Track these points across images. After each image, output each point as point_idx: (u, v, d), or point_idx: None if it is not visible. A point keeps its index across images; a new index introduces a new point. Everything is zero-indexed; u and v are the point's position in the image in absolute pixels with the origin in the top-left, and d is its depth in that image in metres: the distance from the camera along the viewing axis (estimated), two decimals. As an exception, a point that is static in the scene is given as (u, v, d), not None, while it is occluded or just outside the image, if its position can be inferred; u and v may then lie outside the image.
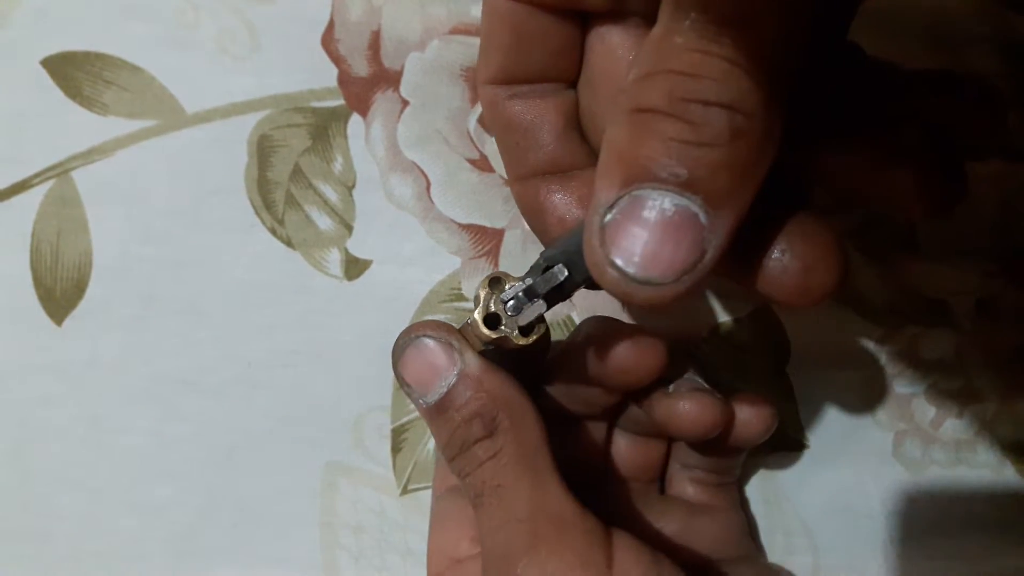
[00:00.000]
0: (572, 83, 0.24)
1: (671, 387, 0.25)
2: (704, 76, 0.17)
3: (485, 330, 0.21)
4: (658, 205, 0.16)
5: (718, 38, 0.16)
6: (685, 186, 0.16)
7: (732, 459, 0.28)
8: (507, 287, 0.21)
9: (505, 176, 0.30)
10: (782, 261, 0.19)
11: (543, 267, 0.21)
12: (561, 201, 0.23)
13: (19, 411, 0.30)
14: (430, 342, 0.22)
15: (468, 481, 0.22)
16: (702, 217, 0.17)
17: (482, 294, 0.22)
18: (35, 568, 0.30)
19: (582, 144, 0.24)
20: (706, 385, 0.25)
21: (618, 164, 0.17)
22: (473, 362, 0.22)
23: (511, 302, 0.21)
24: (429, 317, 0.30)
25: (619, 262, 0.17)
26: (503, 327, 0.21)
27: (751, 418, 0.25)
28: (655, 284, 0.17)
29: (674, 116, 0.17)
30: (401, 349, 0.22)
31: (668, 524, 0.27)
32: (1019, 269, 0.30)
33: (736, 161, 0.17)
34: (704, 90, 0.17)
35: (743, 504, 0.30)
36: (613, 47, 0.22)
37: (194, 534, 0.30)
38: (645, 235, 0.17)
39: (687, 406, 0.24)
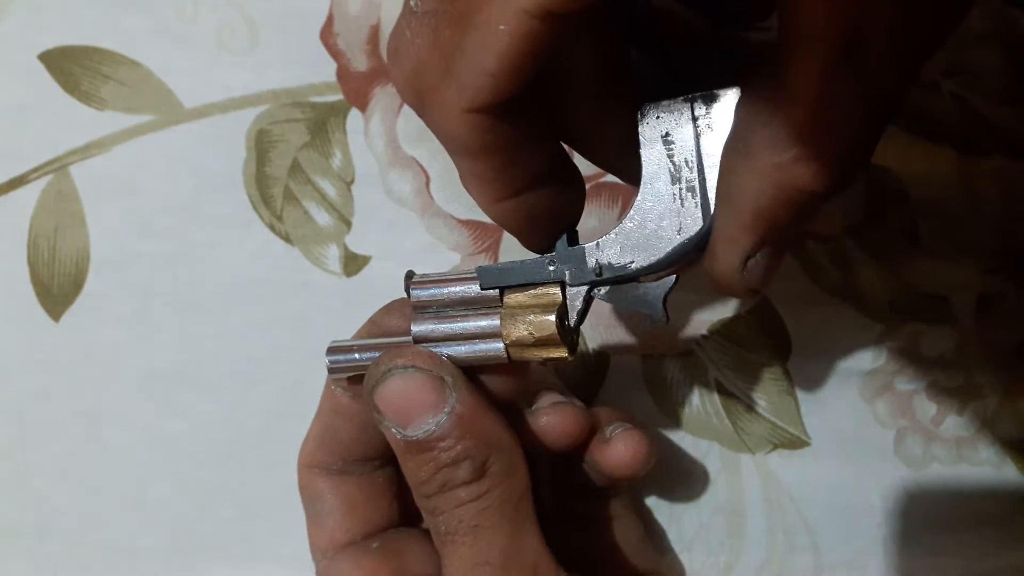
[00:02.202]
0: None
1: (533, 406, 0.25)
2: None
3: (561, 349, 0.21)
4: None
5: None
6: None
7: None
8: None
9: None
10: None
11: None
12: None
13: (16, 406, 0.30)
14: (419, 376, 0.21)
15: (441, 518, 0.21)
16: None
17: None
18: (33, 563, 0.30)
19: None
20: (564, 398, 0.25)
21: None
22: (468, 401, 0.21)
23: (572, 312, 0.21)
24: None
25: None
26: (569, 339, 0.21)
27: (625, 454, 0.25)
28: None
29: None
30: (381, 376, 0.21)
31: (566, 540, 0.26)
32: (1020, 266, 0.30)
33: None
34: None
35: (640, 511, 0.30)
36: None
37: (192, 530, 0.30)
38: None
39: (549, 419, 0.24)
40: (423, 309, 0.22)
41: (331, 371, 0.23)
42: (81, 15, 0.30)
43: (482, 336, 0.21)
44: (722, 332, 0.30)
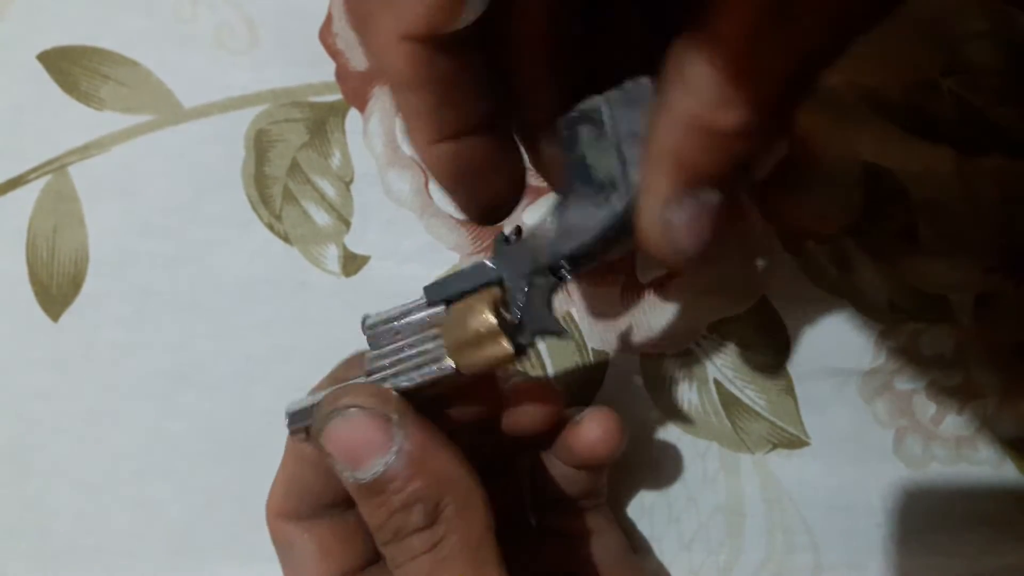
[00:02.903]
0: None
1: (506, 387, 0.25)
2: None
3: (506, 345, 0.20)
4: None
5: None
6: None
7: (595, 481, 0.26)
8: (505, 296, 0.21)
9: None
10: None
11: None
12: None
13: (16, 406, 0.30)
14: (362, 416, 0.20)
15: (399, 572, 0.20)
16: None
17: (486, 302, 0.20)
18: (32, 563, 0.30)
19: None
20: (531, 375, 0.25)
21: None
22: (417, 437, 0.20)
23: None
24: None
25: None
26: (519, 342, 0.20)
27: (598, 433, 0.25)
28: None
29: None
30: (325, 419, 0.20)
31: (550, 556, 0.26)
32: (1019, 265, 0.30)
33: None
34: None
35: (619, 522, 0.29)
36: None
37: (191, 530, 0.30)
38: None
39: (518, 395, 0.24)
40: (380, 348, 0.22)
41: (292, 432, 0.23)
42: (80, 15, 0.30)
43: (430, 355, 0.21)
44: (722, 332, 0.30)
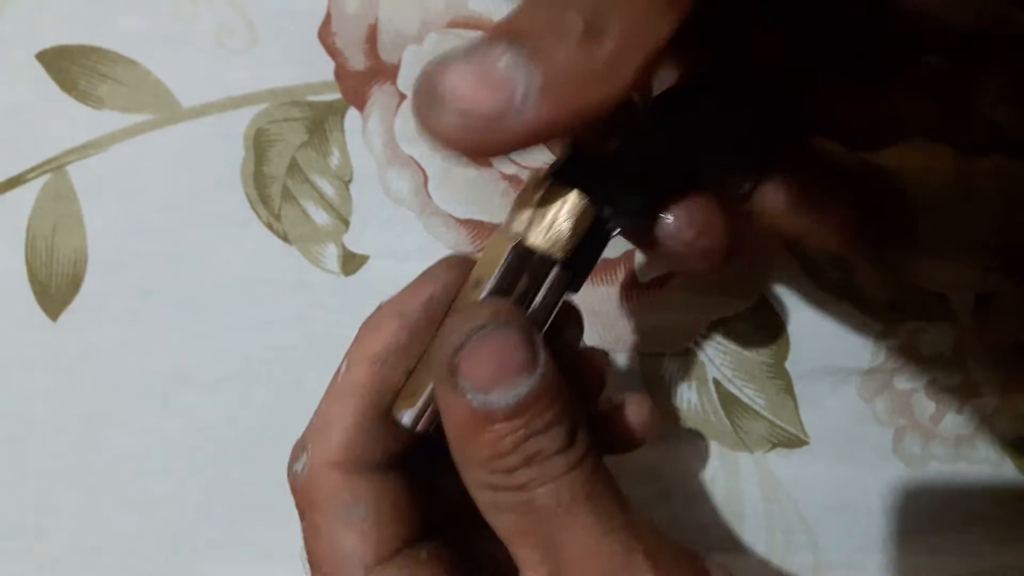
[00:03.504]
0: None
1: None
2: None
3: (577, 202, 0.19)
4: (496, 57, 0.16)
5: None
6: (527, 56, 0.16)
7: None
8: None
9: (504, 171, 0.30)
10: (670, 226, 0.21)
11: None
12: None
13: (14, 406, 0.30)
14: (513, 333, 0.19)
15: (538, 492, 0.19)
16: (520, 89, 0.16)
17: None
18: (31, 564, 0.30)
19: None
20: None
21: (503, 20, 0.17)
22: (551, 361, 0.19)
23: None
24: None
25: (435, 85, 0.17)
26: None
27: (642, 418, 0.24)
28: (444, 110, 0.17)
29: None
30: (464, 337, 0.18)
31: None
32: (1019, 264, 0.29)
33: (571, 65, 0.16)
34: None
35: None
36: None
37: (191, 530, 0.30)
38: (471, 72, 0.16)
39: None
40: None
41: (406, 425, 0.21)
42: (79, 14, 0.29)
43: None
44: (721, 331, 0.30)
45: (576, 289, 0.21)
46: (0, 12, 0.30)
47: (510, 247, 0.20)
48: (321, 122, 0.30)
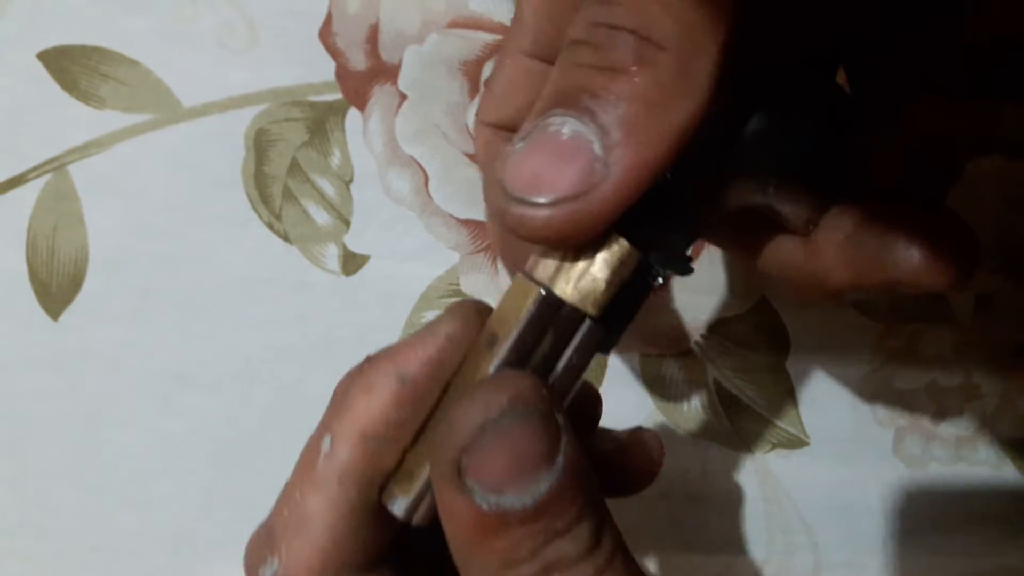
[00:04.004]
0: None
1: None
2: (615, 1, 0.16)
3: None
4: (557, 129, 0.15)
5: None
6: (584, 111, 0.15)
7: None
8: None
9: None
10: (912, 254, 0.18)
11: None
12: None
13: (15, 406, 0.30)
14: (530, 424, 0.15)
15: None
16: (596, 146, 0.15)
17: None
18: (32, 563, 0.30)
19: None
20: None
21: (542, 96, 0.16)
22: (574, 445, 0.16)
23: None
24: (427, 313, 0.30)
25: (505, 180, 0.16)
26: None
27: (652, 458, 0.22)
28: (529, 203, 0.15)
29: (588, 42, 0.16)
30: (473, 434, 0.15)
31: None
32: (1019, 265, 0.29)
33: (639, 93, 0.15)
34: (614, 14, 0.16)
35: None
36: None
37: (191, 530, 0.30)
38: (536, 156, 0.15)
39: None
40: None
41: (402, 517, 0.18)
42: (80, 14, 0.30)
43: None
44: (721, 332, 0.30)
45: (607, 350, 0.18)
46: (1, 12, 0.30)
47: (533, 298, 0.16)
48: (322, 122, 0.30)
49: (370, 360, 0.19)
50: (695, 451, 0.30)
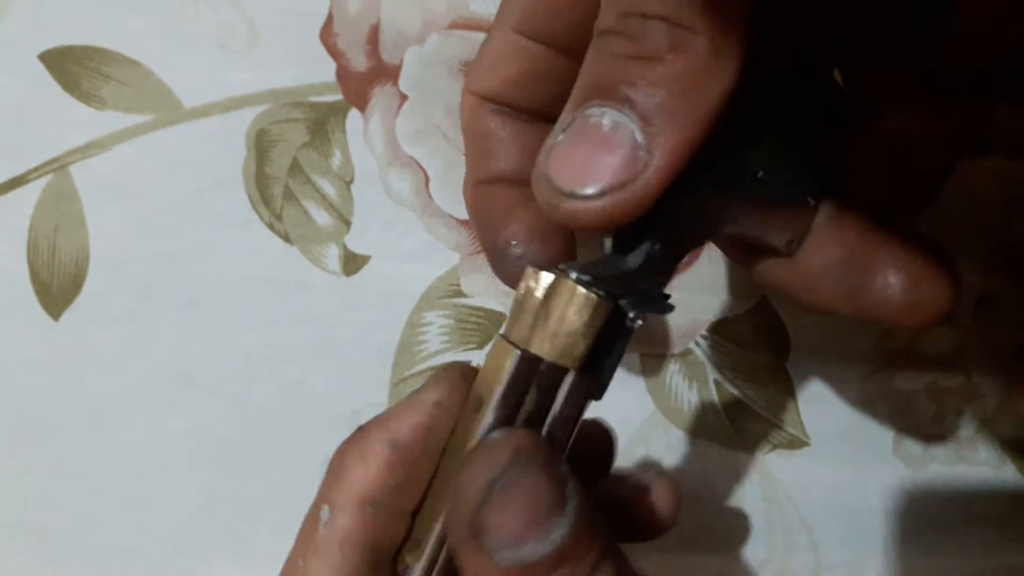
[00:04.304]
0: None
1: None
2: None
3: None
4: (598, 120, 0.16)
5: None
6: (623, 101, 0.16)
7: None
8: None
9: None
10: (895, 286, 0.19)
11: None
12: (518, 200, 0.21)
13: (16, 406, 0.30)
14: (535, 472, 0.16)
15: None
16: (637, 134, 0.16)
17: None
18: (33, 563, 0.30)
19: None
20: None
21: (577, 87, 0.17)
22: (580, 489, 0.16)
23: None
24: (427, 313, 0.30)
25: (551, 174, 0.16)
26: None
27: (669, 508, 0.22)
28: (580, 196, 0.16)
29: (620, 33, 0.16)
30: (485, 492, 0.15)
31: None
32: (1019, 265, 0.29)
33: (675, 77, 0.16)
34: (643, 2, 0.16)
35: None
36: None
37: (192, 529, 0.30)
38: (581, 149, 0.16)
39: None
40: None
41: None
42: (82, 15, 0.30)
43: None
44: (721, 332, 0.30)
45: (600, 396, 0.18)
46: (3, 12, 0.30)
47: (512, 359, 0.17)
48: (323, 123, 0.30)
49: (362, 430, 0.19)
50: (695, 451, 0.30)
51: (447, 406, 0.18)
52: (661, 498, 0.22)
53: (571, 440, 0.17)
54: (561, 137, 0.16)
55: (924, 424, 0.30)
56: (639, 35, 0.16)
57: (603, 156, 0.16)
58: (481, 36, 0.29)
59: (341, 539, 0.18)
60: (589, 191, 0.16)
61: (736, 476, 0.30)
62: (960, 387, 0.30)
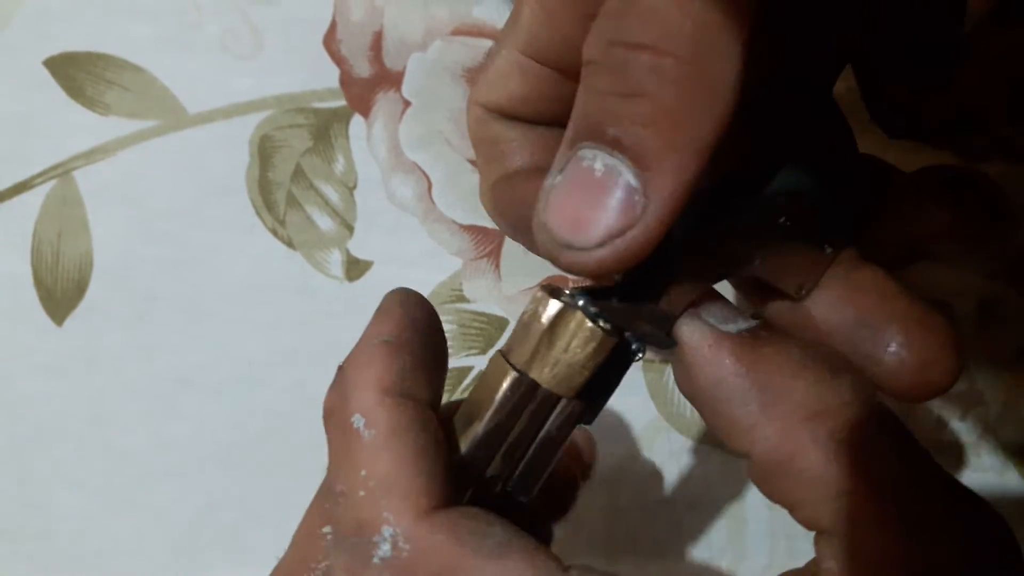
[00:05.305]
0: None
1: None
2: (630, 15, 0.15)
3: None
4: (590, 164, 0.15)
5: None
6: (612, 144, 0.15)
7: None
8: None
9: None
10: (899, 356, 0.18)
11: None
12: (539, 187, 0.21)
13: (19, 410, 0.30)
14: None
15: None
16: (631, 178, 0.15)
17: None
18: (35, 567, 0.30)
19: None
20: None
21: (570, 124, 0.16)
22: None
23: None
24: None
25: (550, 224, 0.15)
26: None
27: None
28: (577, 248, 0.15)
29: (604, 64, 0.15)
30: None
31: None
32: (1021, 271, 0.30)
33: (663, 114, 0.15)
34: (629, 30, 0.15)
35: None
36: None
37: (193, 533, 0.30)
38: (575, 197, 0.15)
39: None
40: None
41: None
42: (86, 22, 0.30)
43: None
44: (723, 337, 0.30)
45: (590, 421, 0.18)
46: (8, 19, 0.30)
47: (509, 382, 0.17)
48: (326, 129, 0.30)
49: (346, 361, 0.19)
50: (698, 457, 0.30)
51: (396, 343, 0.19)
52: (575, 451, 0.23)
53: (555, 461, 0.18)
54: (558, 179, 0.16)
55: (927, 430, 0.30)
56: (622, 68, 0.15)
57: (597, 204, 0.15)
58: (484, 43, 0.29)
59: (387, 432, 0.18)
60: (587, 242, 0.15)
61: (739, 482, 0.30)
62: (963, 393, 0.30)
